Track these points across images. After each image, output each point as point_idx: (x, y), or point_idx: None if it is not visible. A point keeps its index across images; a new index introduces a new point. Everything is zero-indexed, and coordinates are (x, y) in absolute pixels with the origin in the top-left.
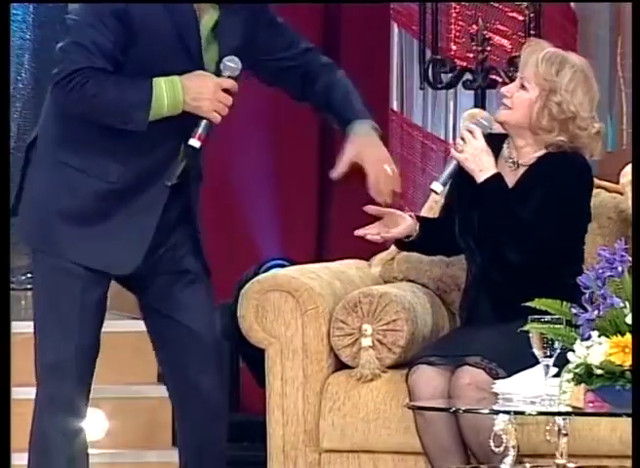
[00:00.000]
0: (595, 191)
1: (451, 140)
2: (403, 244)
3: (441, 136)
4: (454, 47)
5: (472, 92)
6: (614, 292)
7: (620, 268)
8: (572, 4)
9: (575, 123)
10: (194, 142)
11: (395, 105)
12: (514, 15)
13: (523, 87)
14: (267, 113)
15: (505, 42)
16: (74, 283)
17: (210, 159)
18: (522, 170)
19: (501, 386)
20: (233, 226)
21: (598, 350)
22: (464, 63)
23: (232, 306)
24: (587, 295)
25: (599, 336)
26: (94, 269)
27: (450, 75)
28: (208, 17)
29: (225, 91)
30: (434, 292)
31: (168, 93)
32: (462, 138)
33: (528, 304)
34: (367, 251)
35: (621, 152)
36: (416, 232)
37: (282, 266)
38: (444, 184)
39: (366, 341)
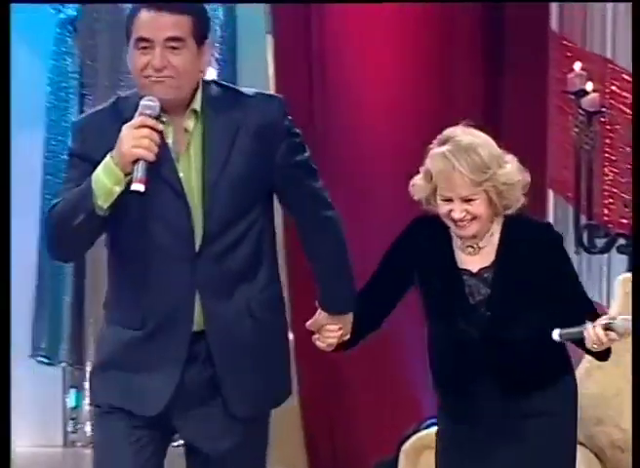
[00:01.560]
0: None
1: (604, 304)
2: (349, 343)
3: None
4: (607, 212)
5: (625, 256)
6: None
7: None
8: None
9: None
10: (137, 187)
11: None
12: None
13: (469, 200)
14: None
15: None
16: (114, 425)
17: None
18: (486, 250)
19: None
20: (394, 388)
21: None
22: (618, 229)
23: (393, 463)
24: None
25: None
26: (126, 410)
27: (604, 240)
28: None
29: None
30: (588, 449)
31: (101, 167)
32: (603, 341)
33: None
34: None
35: None
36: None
37: None
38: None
39: None
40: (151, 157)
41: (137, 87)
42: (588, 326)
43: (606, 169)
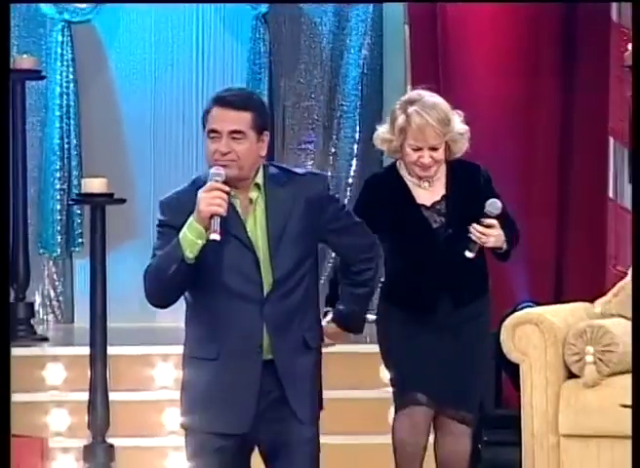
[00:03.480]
0: None
1: None
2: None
3: None
4: None
5: None
6: None
7: None
8: None
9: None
10: (214, 236)
11: None
12: None
13: (434, 149)
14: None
15: None
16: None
17: None
18: (436, 187)
19: None
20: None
21: None
22: None
23: (497, 334)
24: None
25: None
26: (216, 433)
27: None
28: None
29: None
30: None
31: (186, 226)
32: (486, 232)
33: None
34: (591, 295)
35: None
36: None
37: (531, 307)
38: (474, 253)
39: (589, 358)
40: (223, 212)
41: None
42: (472, 230)
43: None
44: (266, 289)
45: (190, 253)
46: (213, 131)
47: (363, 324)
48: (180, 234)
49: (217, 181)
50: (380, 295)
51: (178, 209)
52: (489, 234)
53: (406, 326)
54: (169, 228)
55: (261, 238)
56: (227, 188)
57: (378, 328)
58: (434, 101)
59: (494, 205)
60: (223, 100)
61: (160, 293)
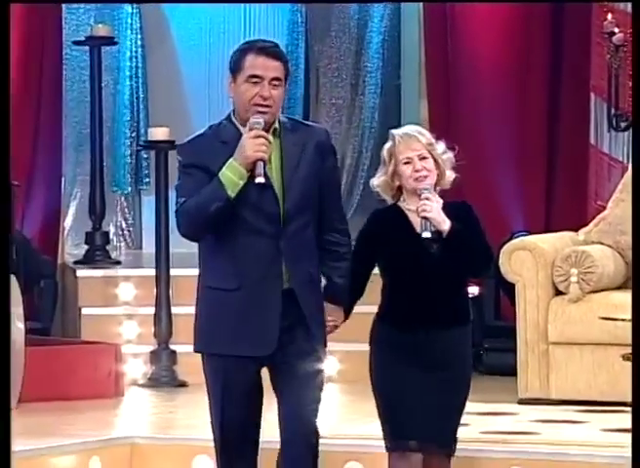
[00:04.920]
0: None
1: (625, 161)
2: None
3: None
4: (627, 106)
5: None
6: None
7: None
8: None
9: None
10: (258, 180)
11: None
12: None
13: (423, 158)
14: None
15: None
16: (224, 368)
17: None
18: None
19: None
20: (489, 207)
21: None
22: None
23: (496, 259)
24: None
25: None
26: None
27: (625, 123)
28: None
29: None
30: (615, 249)
31: (226, 168)
32: (426, 202)
33: None
34: (575, 225)
35: None
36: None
37: (524, 235)
38: (431, 231)
39: (573, 278)
40: (266, 158)
41: (238, 111)
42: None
43: (627, 79)
44: (282, 224)
45: (232, 193)
46: (255, 76)
47: (350, 301)
48: (221, 175)
49: (257, 129)
50: (376, 320)
51: (201, 151)
52: (427, 205)
53: (395, 364)
54: (196, 169)
55: (277, 179)
56: (270, 137)
57: (370, 358)
58: (416, 128)
59: (424, 186)
60: (266, 50)
61: (199, 228)
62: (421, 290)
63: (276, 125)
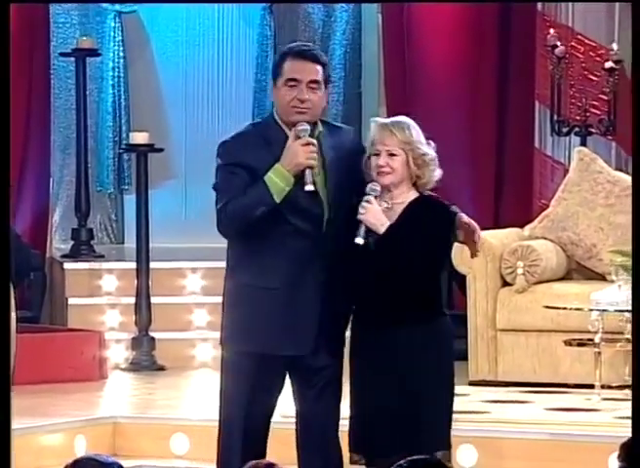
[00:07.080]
0: None
1: (566, 163)
2: None
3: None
4: (569, 113)
5: (578, 137)
6: None
7: None
8: None
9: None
10: (309, 187)
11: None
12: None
13: (392, 155)
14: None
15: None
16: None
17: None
18: (398, 209)
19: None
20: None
21: None
22: (574, 122)
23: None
24: None
25: None
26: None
27: (566, 128)
28: None
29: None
30: (558, 244)
31: (273, 173)
32: (364, 205)
33: None
34: (521, 221)
35: None
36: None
37: None
38: (364, 238)
39: (519, 271)
40: (316, 165)
41: (279, 114)
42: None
43: (568, 88)
44: (324, 226)
45: (278, 199)
46: (293, 79)
47: None
48: (267, 180)
49: (304, 136)
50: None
51: (246, 149)
52: (363, 207)
53: (365, 370)
54: (240, 168)
55: (319, 182)
56: (316, 144)
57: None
58: (404, 120)
59: (372, 187)
60: (303, 53)
61: (241, 229)
62: (362, 288)
63: (320, 128)
